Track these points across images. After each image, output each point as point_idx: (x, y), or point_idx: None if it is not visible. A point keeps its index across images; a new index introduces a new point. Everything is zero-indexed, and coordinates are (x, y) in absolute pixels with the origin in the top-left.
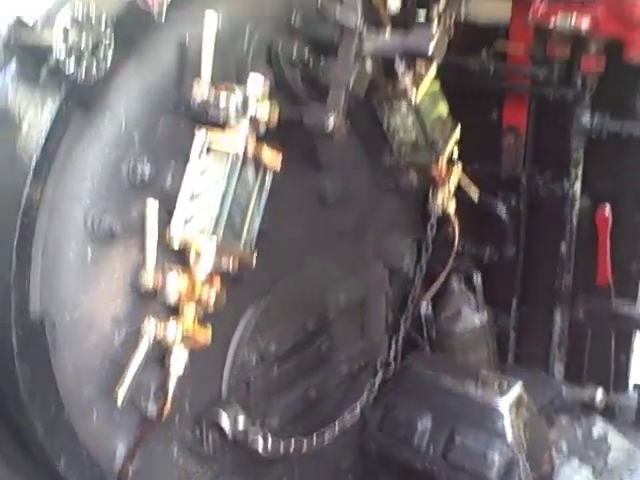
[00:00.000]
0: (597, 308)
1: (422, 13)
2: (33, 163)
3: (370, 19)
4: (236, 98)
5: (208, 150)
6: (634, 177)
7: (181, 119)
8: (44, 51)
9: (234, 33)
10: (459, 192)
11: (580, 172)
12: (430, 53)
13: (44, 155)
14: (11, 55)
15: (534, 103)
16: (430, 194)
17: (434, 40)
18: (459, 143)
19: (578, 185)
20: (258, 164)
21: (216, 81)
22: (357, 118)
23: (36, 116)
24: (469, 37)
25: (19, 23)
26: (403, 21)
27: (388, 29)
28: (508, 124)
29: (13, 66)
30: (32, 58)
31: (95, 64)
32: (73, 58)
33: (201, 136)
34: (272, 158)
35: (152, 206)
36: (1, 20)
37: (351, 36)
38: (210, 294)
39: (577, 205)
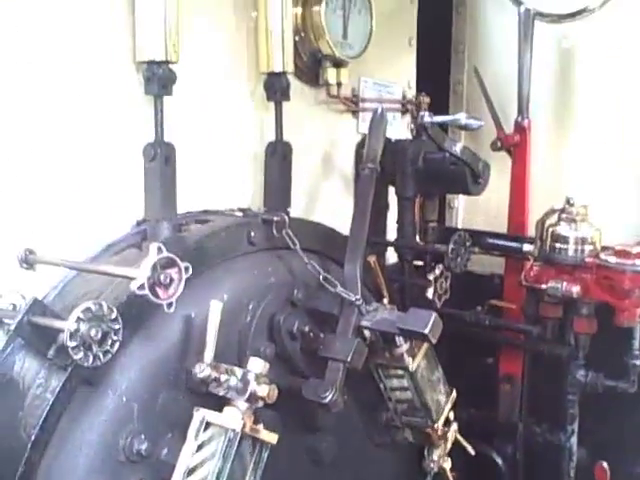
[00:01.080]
0: None
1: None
2: (33, 436)
3: (368, 287)
4: (236, 377)
5: (207, 424)
6: (631, 432)
7: (180, 392)
8: (54, 331)
9: (238, 308)
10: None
11: (576, 427)
12: (425, 334)
13: (44, 429)
14: (22, 329)
15: (529, 354)
16: (426, 451)
17: (430, 322)
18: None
19: (575, 439)
20: (255, 439)
21: (218, 351)
22: (353, 379)
23: (40, 390)
24: (465, 284)
25: (34, 303)
26: (400, 279)
27: (386, 301)
28: (504, 372)
29: (22, 339)
30: (42, 335)
31: (102, 352)
32: (82, 348)
33: (199, 416)
34: (269, 435)
35: None
36: (16, 295)
37: (350, 310)
38: None
39: (575, 458)
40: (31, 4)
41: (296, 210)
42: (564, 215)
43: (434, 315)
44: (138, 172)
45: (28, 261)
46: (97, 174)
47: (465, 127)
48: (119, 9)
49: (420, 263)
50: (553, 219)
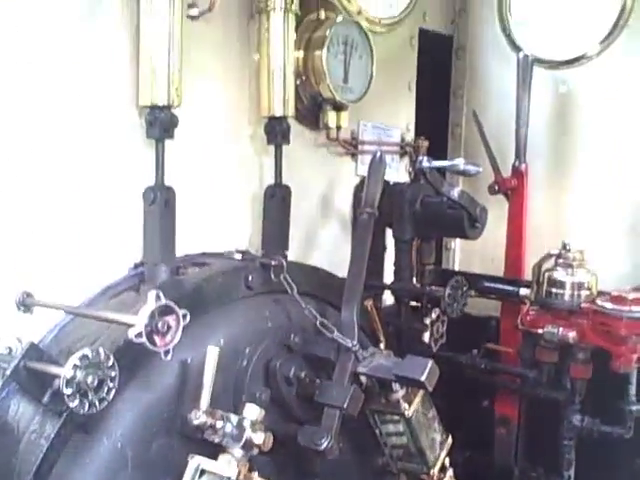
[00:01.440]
0: None
1: None
2: None
3: (365, 331)
4: (232, 424)
5: (202, 472)
6: (627, 478)
7: (175, 438)
8: (50, 377)
9: (234, 352)
10: None
11: (573, 473)
12: (422, 381)
13: (37, 476)
14: (18, 374)
15: (525, 398)
16: None
17: (427, 370)
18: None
19: None
20: None
21: (214, 395)
22: (349, 424)
23: (34, 436)
24: (462, 327)
25: (30, 347)
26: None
27: (382, 346)
28: (500, 415)
29: (17, 384)
30: (37, 381)
31: (98, 399)
32: (78, 396)
33: (194, 464)
34: None
35: None
36: (12, 339)
37: (347, 357)
38: None
39: None
40: (32, 60)
41: (294, 252)
42: (561, 260)
43: (431, 362)
44: (137, 215)
45: (26, 304)
46: (96, 216)
47: (463, 173)
48: (122, 54)
49: (417, 304)
50: (549, 264)
